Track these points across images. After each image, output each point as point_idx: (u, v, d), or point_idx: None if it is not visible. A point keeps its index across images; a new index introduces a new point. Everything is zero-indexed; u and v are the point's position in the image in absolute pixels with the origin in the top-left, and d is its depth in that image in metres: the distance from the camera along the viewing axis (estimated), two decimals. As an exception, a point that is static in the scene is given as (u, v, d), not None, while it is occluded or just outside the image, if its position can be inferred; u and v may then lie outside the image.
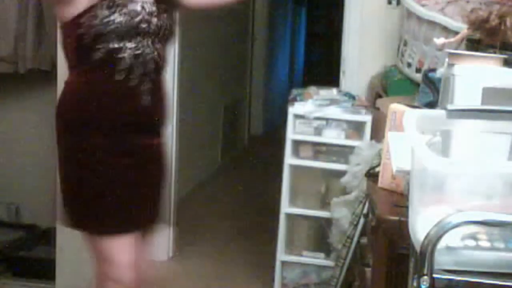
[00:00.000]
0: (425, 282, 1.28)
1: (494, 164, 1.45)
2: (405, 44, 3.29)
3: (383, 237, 2.01)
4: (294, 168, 3.52)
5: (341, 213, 3.22)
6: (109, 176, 2.24)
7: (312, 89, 3.61)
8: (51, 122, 2.33)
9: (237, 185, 5.48)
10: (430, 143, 1.50)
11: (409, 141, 1.45)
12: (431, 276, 1.28)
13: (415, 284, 1.30)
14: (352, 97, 3.53)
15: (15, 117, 4.17)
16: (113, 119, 2.22)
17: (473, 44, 2.27)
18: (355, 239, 3.02)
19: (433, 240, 1.26)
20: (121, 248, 2.25)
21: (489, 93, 1.78)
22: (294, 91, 3.66)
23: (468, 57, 1.98)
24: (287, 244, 3.59)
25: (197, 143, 5.16)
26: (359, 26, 3.73)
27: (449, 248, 1.33)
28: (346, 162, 3.32)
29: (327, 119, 3.42)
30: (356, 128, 3.41)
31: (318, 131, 3.44)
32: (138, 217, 2.30)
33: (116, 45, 2.16)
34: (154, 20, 2.22)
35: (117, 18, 2.15)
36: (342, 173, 3.29)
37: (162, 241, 3.90)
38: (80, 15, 2.15)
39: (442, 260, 1.30)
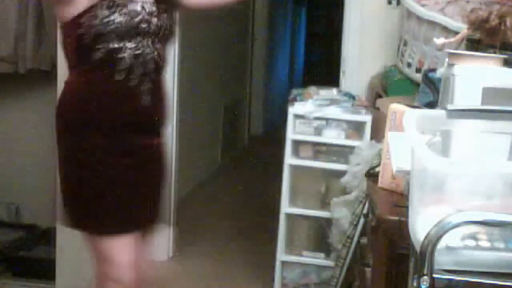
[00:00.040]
0: (425, 282, 1.28)
1: (494, 164, 1.45)
2: (405, 44, 3.29)
3: (383, 237, 2.01)
4: (294, 168, 3.52)
5: (341, 213, 3.22)
6: (109, 176, 2.24)
7: (312, 89, 3.61)
8: (51, 122, 2.33)
9: (237, 185, 5.48)
10: (430, 143, 1.50)
11: (409, 141, 1.45)
12: (431, 276, 1.28)
13: (415, 284, 1.30)
14: (352, 97, 3.53)
15: (15, 117, 4.17)
16: (113, 119, 2.22)
17: (473, 44, 2.27)
18: (355, 239, 3.02)
19: (433, 240, 1.26)
20: (121, 248, 2.25)
21: (489, 93, 1.78)
22: (294, 91, 3.66)
23: (468, 57, 1.98)
24: (287, 244, 3.59)
25: (197, 143, 5.16)
26: (359, 26, 3.73)
27: (449, 248, 1.33)
28: (346, 162, 3.32)
29: (327, 119, 3.42)
30: (356, 128, 3.41)
31: (318, 131, 3.44)
32: (138, 217, 2.30)
33: (116, 45, 2.16)
34: (154, 20, 2.22)
35: (117, 18, 2.15)
36: (342, 173, 3.29)
37: (162, 241, 3.90)
38: (80, 15, 2.15)
39: (442, 260, 1.30)
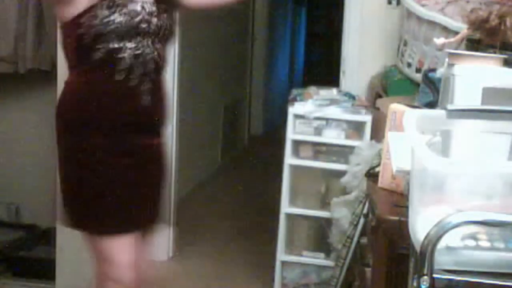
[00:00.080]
0: (425, 282, 1.28)
1: (494, 164, 1.45)
2: (405, 44, 3.29)
3: (383, 237, 2.01)
4: (294, 168, 3.52)
5: (341, 213, 3.22)
6: (109, 176, 2.24)
7: (312, 89, 3.61)
8: (51, 122, 2.33)
9: (237, 185, 5.48)
10: (430, 143, 1.50)
11: (409, 141, 1.45)
12: (431, 276, 1.28)
13: (415, 284, 1.30)
14: (352, 97, 3.53)
15: (15, 117, 4.17)
16: (113, 119, 2.22)
17: (473, 44, 2.27)
18: (355, 239, 3.02)
19: (433, 240, 1.26)
20: (121, 248, 2.25)
21: (489, 93, 1.78)
22: (294, 91, 3.66)
23: (468, 57, 1.98)
24: (287, 244, 3.59)
25: (197, 143, 5.16)
26: (359, 26, 3.73)
27: (449, 248, 1.32)
28: (346, 162, 3.32)
29: (327, 119, 3.42)
30: (356, 128, 3.41)
31: (318, 131, 3.44)
32: (138, 217, 2.30)
33: (116, 45, 2.16)
34: (154, 20, 2.22)
35: (117, 18, 2.15)
36: (342, 173, 3.29)
37: (162, 241, 3.90)
38: (80, 15, 2.15)
39: (442, 260, 1.30)
